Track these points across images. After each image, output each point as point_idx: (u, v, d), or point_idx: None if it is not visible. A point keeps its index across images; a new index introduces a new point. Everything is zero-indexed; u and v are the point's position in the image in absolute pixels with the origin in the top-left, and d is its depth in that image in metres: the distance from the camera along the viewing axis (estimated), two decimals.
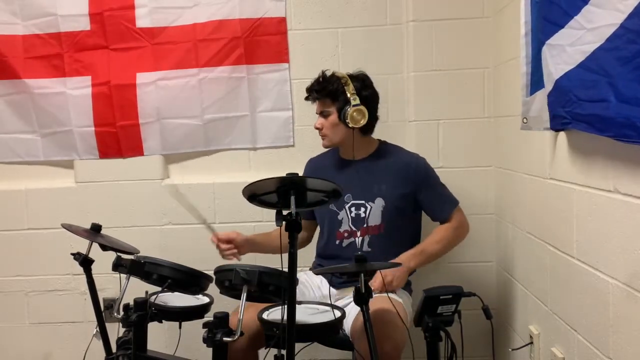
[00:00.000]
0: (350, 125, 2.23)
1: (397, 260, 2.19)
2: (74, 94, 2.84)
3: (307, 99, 2.36)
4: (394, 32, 2.77)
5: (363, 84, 2.29)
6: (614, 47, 1.37)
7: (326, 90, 2.27)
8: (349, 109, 2.22)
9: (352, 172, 2.34)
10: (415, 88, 2.74)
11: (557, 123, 1.71)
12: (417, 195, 2.32)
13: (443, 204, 2.35)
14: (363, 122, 2.23)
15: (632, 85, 1.32)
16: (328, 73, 2.32)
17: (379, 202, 2.30)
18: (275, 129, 2.84)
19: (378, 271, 2.09)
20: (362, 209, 2.31)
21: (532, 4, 1.83)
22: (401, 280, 2.19)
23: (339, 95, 2.25)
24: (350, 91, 2.23)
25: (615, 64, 1.37)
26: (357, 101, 2.22)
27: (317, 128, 2.34)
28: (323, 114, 2.31)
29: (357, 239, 2.31)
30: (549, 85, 1.70)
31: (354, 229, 2.32)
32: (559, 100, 1.65)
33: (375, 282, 2.09)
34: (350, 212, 2.32)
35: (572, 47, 1.54)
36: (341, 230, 2.34)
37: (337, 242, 2.34)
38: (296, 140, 2.82)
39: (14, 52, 2.83)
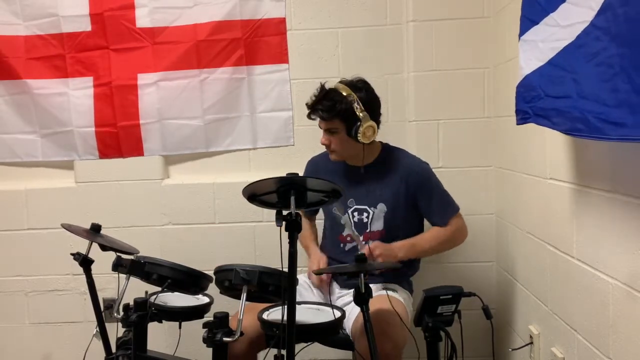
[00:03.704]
0: (361, 142, 2.19)
1: (389, 246, 2.19)
2: (75, 94, 2.84)
3: (309, 116, 2.27)
4: (394, 32, 2.77)
5: (367, 94, 2.22)
6: (583, 44, 1.39)
7: (334, 110, 2.18)
8: (360, 127, 2.16)
9: (356, 178, 2.33)
10: (415, 88, 2.74)
11: (519, 118, 1.72)
12: (418, 201, 2.31)
13: (443, 211, 2.33)
14: (374, 136, 2.22)
15: (592, 82, 1.34)
16: (328, 86, 2.23)
17: (381, 208, 2.29)
18: (276, 129, 2.84)
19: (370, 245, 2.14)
20: (365, 214, 2.31)
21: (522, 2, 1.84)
22: (386, 257, 2.16)
23: (349, 114, 2.18)
24: (358, 108, 2.16)
25: (582, 60, 1.40)
26: (367, 118, 2.17)
27: (324, 144, 2.28)
28: (330, 131, 2.25)
29: (359, 244, 2.31)
30: (517, 80, 1.71)
31: (356, 233, 2.31)
32: (525, 95, 1.67)
33: (365, 249, 2.10)
34: (353, 216, 2.31)
35: (544, 43, 1.56)
36: (344, 234, 2.33)
37: (341, 245, 2.34)
38: (296, 140, 2.82)
39: (15, 53, 2.83)
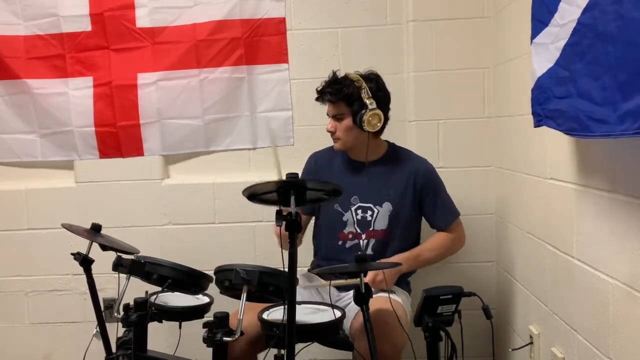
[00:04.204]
0: (366, 129, 2.20)
1: (391, 260, 2.20)
2: (75, 94, 2.84)
3: (317, 99, 2.29)
4: (394, 32, 2.77)
5: (377, 85, 2.24)
6: (576, 43, 1.41)
7: (341, 93, 2.20)
8: (365, 114, 2.17)
9: (361, 175, 2.33)
10: (415, 88, 2.74)
11: (535, 121, 1.73)
12: (423, 201, 2.31)
13: (445, 214, 2.34)
14: (379, 125, 2.21)
15: (585, 80, 1.34)
16: (339, 74, 2.27)
17: (387, 207, 2.29)
18: (275, 129, 2.84)
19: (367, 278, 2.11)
20: (369, 212, 2.30)
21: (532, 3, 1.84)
22: (391, 281, 2.19)
23: (355, 99, 2.20)
24: (365, 95, 2.18)
25: (576, 59, 1.40)
26: (374, 105, 2.18)
27: (329, 131, 2.29)
28: (336, 117, 2.26)
29: (361, 241, 2.30)
30: (531, 84, 1.72)
31: (359, 231, 2.31)
32: (538, 98, 1.68)
33: (368, 276, 2.10)
34: (357, 214, 2.31)
35: (552, 44, 1.57)
36: (345, 231, 2.32)
37: (340, 242, 2.33)
38: (296, 140, 2.82)
39: (15, 53, 2.83)
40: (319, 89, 2.28)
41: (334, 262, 2.30)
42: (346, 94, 2.20)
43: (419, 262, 2.30)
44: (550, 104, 1.60)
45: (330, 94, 2.23)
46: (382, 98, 2.25)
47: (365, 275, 1.81)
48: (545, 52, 1.61)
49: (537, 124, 1.72)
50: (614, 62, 1.23)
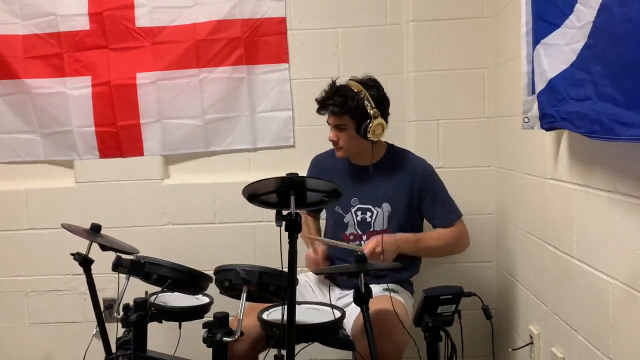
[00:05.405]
0: (370, 139, 2.19)
1: (394, 237, 2.19)
2: (74, 93, 2.84)
3: (319, 111, 2.26)
4: (394, 32, 2.77)
5: (378, 92, 2.23)
6: (594, 45, 1.40)
7: (346, 106, 2.18)
8: (370, 124, 2.17)
9: (361, 176, 2.32)
10: (415, 88, 2.74)
11: (546, 122, 1.72)
12: (422, 202, 2.31)
13: (446, 213, 2.32)
14: (383, 134, 2.22)
15: (606, 82, 1.33)
16: (339, 82, 2.24)
17: (386, 207, 2.29)
18: (275, 129, 2.84)
19: (372, 239, 2.13)
20: (369, 214, 2.30)
21: (532, 2, 1.83)
22: (389, 255, 2.15)
23: (360, 110, 2.18)
24: (369, 106, 2.17)
25: (595, 61, 1.39)
26: (378, 114, 2.17)
27: (332, 140, 2.28)
28: (339, 127, 2.24)
29: (362, 242, 2.30)
30: (541, 84, 1.71)
31: (359, 232, 2.31)
32: (551, 99, 1.67)
33: (366, 248, 2.10)
34: (356, 215, 2.31)
35: (567, 46, 1.55)
36: (347, 232, 2.33)
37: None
38: (296, 140, 2.82)
39: (13, 52, 2.83)
40: (319, 99, 2.25)
41: (337, 263, 2.30)
42: (350, 107, 2.17)
43: (419, 247, 2.26)
44: (566, 105, 1.57)
45: (334, 105, 2.20)
46: (383, 105, 2.24)
47: (365, 276, 1.81)
48: (559, 54, 1.59)
49: (549, 125, 1.69)
50: (630, 64, 1.21)
